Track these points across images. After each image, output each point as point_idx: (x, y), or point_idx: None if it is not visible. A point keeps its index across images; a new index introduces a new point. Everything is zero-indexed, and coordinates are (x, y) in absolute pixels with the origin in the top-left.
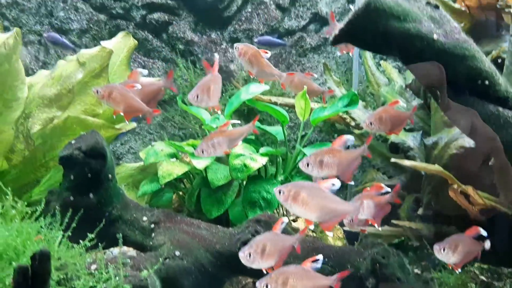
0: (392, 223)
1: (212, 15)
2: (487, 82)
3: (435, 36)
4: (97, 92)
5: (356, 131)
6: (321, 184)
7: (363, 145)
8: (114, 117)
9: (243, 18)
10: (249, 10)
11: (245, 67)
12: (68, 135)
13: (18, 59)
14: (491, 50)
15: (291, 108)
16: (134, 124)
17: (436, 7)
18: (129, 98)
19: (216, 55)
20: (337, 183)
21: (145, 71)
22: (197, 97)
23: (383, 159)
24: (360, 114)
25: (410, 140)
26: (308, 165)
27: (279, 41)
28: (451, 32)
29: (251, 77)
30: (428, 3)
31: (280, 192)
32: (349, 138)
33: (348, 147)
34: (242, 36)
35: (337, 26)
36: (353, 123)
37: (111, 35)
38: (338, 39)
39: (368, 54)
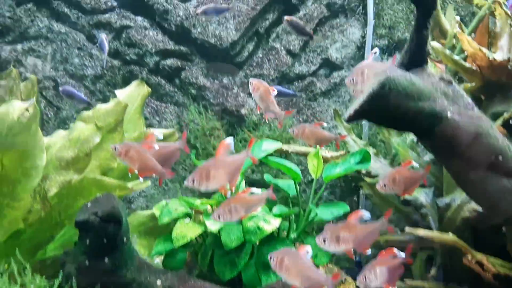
0: (406, 282)
1: (224, 61)
2: (500, 158)
3: (449, 114)
4: (115, 149)
5: (367, 179)
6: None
7: (382, 219)
8: (130, 175)
9: (254, 64)
10: (260, 55)
11: (255, 101)
12: (84, 195)
13: (37, 127)
14: (503, 111)
15: (302, 155)
16: (148, 183)
17: (450, 82)
18: (145, 158)
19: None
20: (310, 251)
21: (161, 135)
22: (193, 181)
23: (396, 211)
24: (371, 162)
25: (423, 197)
26: (325, 241)
27: (290, 91)
28: (465, 109)
29: (262, 120)
30: (441, 79)
31: (270, 259)
32: (364, 214)
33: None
34: None
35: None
36: (364, 171)
37: (125, 80)
38: (353, 118)
39: None
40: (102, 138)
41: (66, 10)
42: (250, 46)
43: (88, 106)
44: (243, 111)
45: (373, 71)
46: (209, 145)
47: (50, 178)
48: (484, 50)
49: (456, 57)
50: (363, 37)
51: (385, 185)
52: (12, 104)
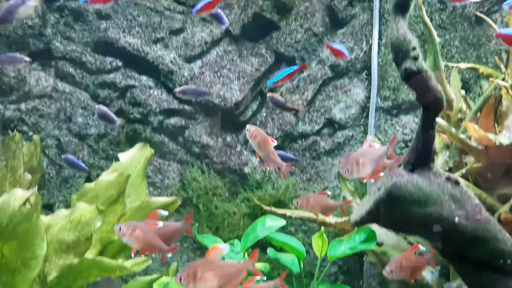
0: None
1: (227, 119)
2: (509, 262)
3: (456, 219)
4: (120, 229)
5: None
6: None
7: None
8: (133, 255)
9: (258, 122)
10: (264, 114)
11: (254, 148)
12: (83, 276)
13: (38, 216)
14: (510, 194)
15: (304, 220)
16: (149, 261)
17: (457, 183)
18: (150, 237)
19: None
20: None
21: (165, 212)
22: (181, 279)
23: (401, 285)
24: (376, 228)
25: (429, 276)
26: None
27: (292, 156)
28: (472, 213)
29: (264, 177)
30: (448, 179)
31: None
32: None
33: None
34: None
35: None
36: None
37: (128, 139)
38: (360, 223)
39: None
40: (103, 211)
41: (71, 70)
42: (254, 105)
43: (89, 175)
44: (246, 169)
45: (369, 158)
46: (211, 204)
47: (50, 261)
48: (491, 136)
49: (462, 136)
50: (367, 98)
51: (392, 271)
52: (13, 193)
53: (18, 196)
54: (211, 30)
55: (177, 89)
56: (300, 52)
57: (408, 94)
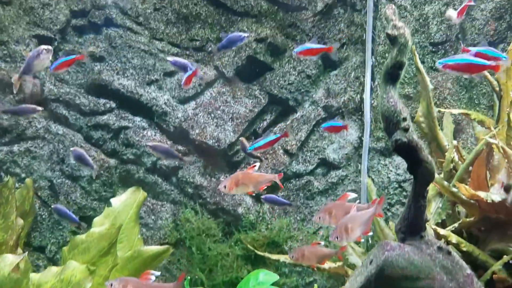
0: None
1: (221, 160)
2: None
3: None
4: (111, 286)
5: None
6: None
7: None
8: None
9: (252, 162)
10: (258, 154)
11: (243, 193)
12: None
13: (28, 282)
14: (502, 249)
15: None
16: None
17: (449, 253)
18: None
19: None
20: None
21: (158, 272)
22: None
23: None
24: None
25: None
26: None
27: (284, 200)
28: (464, 284)
29: (258, 217)
30: (440, 249)
31: None
32: None
33: None
34: None
35: None
36: None
37: (121, 179)
38: None
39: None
40: (94, 263)
41: (65, 112)
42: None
43: (78, 226)
44: (239, 210)
45: (358, 223)
46: (205, 246)
47: None
48: (482, 194)
49: (455, 189)
50: (360, 138)
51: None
52: (3, 258)
53: (8, 262)
54: (205, 72)
55: (150, 143)
56: (294, 93)
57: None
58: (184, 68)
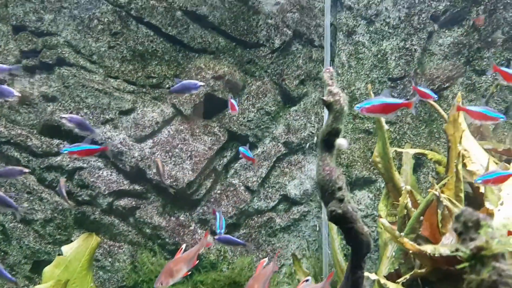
0: None
1: (180, 198)
2: None
3: None
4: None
5: None
6: None
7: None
8: None
9: (212, 200)
10: (219, 192)
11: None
12: None
13: None
14: None
15: None
16: None
17: None
18: None
19: None
20: None
21: None
22: None
23: None
24: None
25: None
26: None
27: (239, 240)
28: None
29: (219, 256)
30: None
31: None
32: None
33: None
34: (211, 217)
35: None
36: None
37: (77, 222)
38: None
39: (336, 236)
40: None
41: (16, 154)
42: (208, 183)
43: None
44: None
45: None
46: None
47: None
48: (429, 250)
49: (406, 240)
50: None
51: None
52: None
53: None
54: (162, 109)
55: (64, 115)
56: (254, 130)
57: (361, 171)
58: (83, 128)
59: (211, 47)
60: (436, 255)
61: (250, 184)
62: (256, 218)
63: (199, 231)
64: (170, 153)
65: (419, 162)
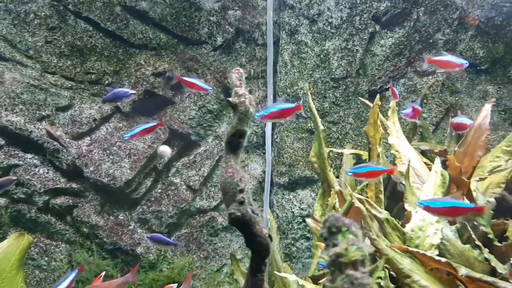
0: None
1: (120, 197)
2: None
3: None
4: None
5: None
6: None
7: None
8: None
9: (153, 199)
10: (159, 191)
11: None
12: None
13: None
14: None
15: None
16: None
17: None
18: None
19: None
20: None
21: None
22: None
23: None
24: None
25: None
26: None
27: (170, 240)
28: None
29: (159, 256)
30: None
31: None
32: None
33: None
34: (151, 217)
35: None
36: None
37: (12, 220)
38: None
39: (275, 235)
40: None
41: None
42: (148, 182)
43: None
44: (139, 250)
45: None
46: None
47: None
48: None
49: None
50: (265, 173)
51: None
52: None
53: None
54: (100, 106)
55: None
56: (196, 128)
57: (304, 170)
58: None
59: (152, 43)
60: None
61: (192, 183)
62: (198, 218)
63: (138, 231)
64: (108, 151)
65: (360, 162)
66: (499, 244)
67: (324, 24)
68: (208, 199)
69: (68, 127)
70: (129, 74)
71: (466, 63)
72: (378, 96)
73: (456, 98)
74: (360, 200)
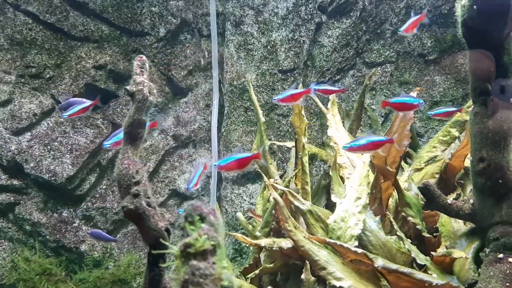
0: None
1: (63, 194)
2: None
3: None
4: None
5: None
6: None
7: None
8: None
9: (98, 195)
10: (104, 187)
11: None
12: None
13: None
14: None
15: None
16: None
17: None
18: None
19: None
20: None
21: None
22: None
23: None
24: None
25: None
26: None
27: (109, 237)
28: None
29: (105, 253)
30: None
31: None
32: None
33: None
34: (96, 213)
35: None
36: None
37: None
38: None
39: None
40: None
41: None
42: (92, 178)
43: None
44: (83, 247)
45: None
46: (43, 287)
47: None
48: (263, 242)
49: (238, 234)
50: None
51: None
52: None
53: None
54: (40, 101)
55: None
56: None
57: (253, 163)
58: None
59: (94, 36)
60: (274, 248)
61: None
62: None
63: (83, 228)
64: (48, 147)
65: (311, 156)
66: (428, 235)
67: (270, 14)
68: (155, 195)
69: (8, 122)
70: (69, 67)
71: (421, 102)
72: (300, 84)
73: (405, 90)
74: (282, 192)
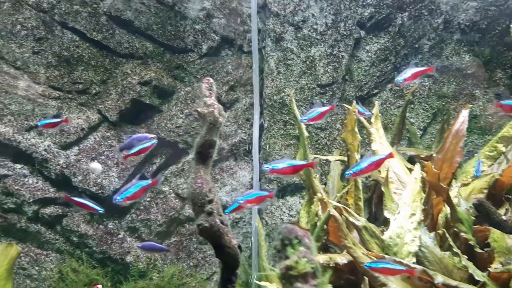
0: None
1: (109, 206)
2: None
3: None
4: None
5: None
6: None
7: None
8: None
9: (142, 207)
10: (148, 199)
11: None
12: None
13: None
14: None
15: None
16: None
17: None
18: None
19: None
20: None
21: None
22: None
23: None
24: None
25: None
26: None
27: (161, 246)
28: None
29: (149, 264)
30: None
31: None
32: None
33: None
34: (141, 225)
35: None
36: None
37: (3, 230)
38: None
39: (264, 243)
40: None
41: None
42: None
43: None
44: (128, 258)
45: None
46: None
47: None
48: (322, 259)
49: None
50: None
51: None
52: None
53: None
54: (88, 116)
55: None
56: (183, 136)
57: (292, 177)
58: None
59: (138, 52)
60: (330, 265)
61: (180, 191)
62: (187, 226)
63: (128, 239)
64: (96, 160)
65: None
66: (480, 251)
67: (309, 30)
68: None
69: (56, 136)
70: (115, 84)
71: None
72: (354, 103)
73: (443, 103)
74: (338, 208)
